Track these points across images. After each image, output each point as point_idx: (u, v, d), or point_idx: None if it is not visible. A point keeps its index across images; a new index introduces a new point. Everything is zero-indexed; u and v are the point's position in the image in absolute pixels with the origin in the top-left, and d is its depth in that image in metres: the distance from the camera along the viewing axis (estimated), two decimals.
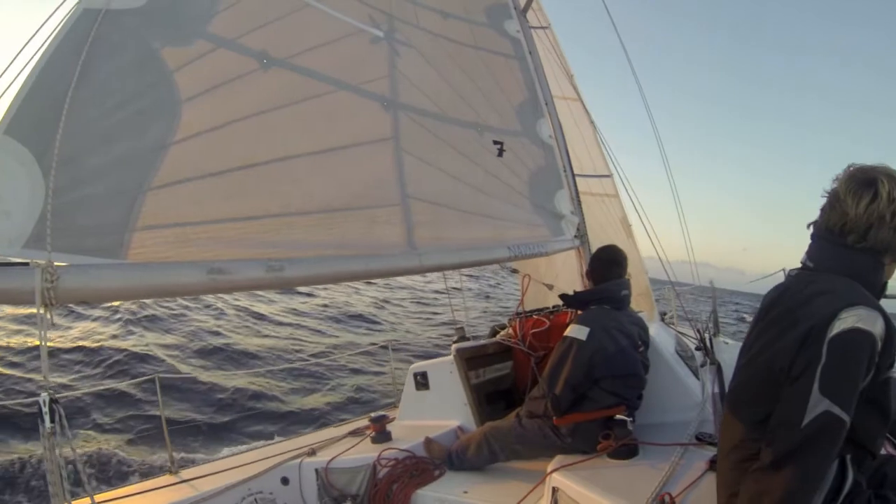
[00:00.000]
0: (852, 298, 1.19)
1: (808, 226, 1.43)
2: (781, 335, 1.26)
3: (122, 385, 6.50)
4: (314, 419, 6.37)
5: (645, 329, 2.72)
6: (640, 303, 5.28)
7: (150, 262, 1.33)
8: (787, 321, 1.27)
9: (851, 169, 1.33)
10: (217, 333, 10.19)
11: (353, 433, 3.29)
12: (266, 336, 10.49)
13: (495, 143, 2.93)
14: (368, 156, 2.10)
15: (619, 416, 2.32)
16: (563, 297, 2.78)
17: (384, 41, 2.47)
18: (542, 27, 5.18)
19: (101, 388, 6.33)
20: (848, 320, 1.15)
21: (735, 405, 1.41)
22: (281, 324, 11.69)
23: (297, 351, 9.23)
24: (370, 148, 2.13)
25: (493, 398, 3.27)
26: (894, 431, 2.09)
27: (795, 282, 1.38)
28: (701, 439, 2.28)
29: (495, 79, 3.21)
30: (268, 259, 1.45)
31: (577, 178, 5.03)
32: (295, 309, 12.90)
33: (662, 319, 5.14)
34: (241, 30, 1.86)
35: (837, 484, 1.24)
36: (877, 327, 1.15)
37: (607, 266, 2.71)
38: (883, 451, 1.80)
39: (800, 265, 1.43)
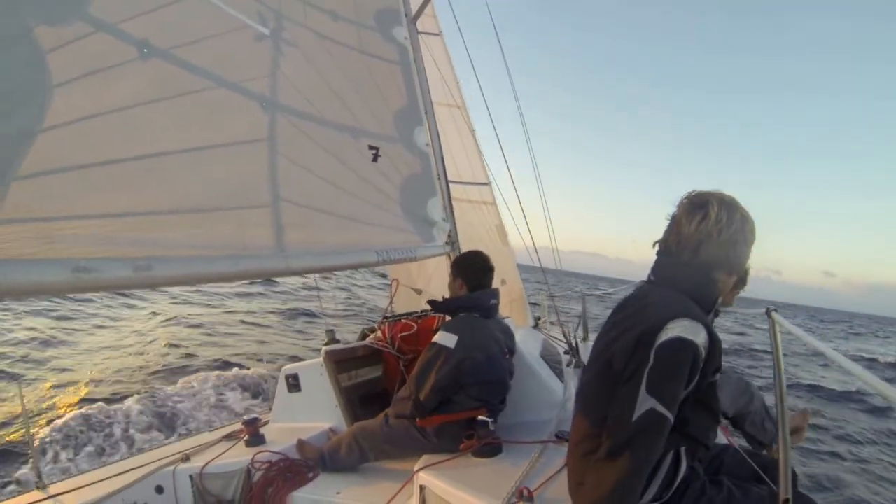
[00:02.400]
0: (679, 311, 1.33)
1: (654, 244, 1.59)
2: (620, 338, 1.40)
3: None
4: (184, 424, 6.16)
5: (511, 336, 2.89)
6: (514, 308, 5.74)
7: (9, 259, 1.31)
8: (626, 326, 1.41)
9: (690, 194, 1.50)
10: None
11: (227, 437, 3.29)
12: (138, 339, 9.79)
13: (371, 148, 3.09)
14: (243, 156, 2.17)
15: (481, 418, 2.45)
16: (431, 303, 2.91)
17: (269, 39, 2.53)
18: (433, 34, 5.41)
19: None
20: (674, 330, 1.29)
21: (583, 402, 1.54)
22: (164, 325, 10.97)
23: (166, 355, 8.70)
24: (245, 148, 2.20)
25: (366, 400, 3.41)
26: (735, 423, 2.55)
27: (637, 292, 1.55)
28: (560, 437, 2.47)
29: (377, 84, 3.36)
30: (136, 258, 1.52)
31: (456, 185, 5.35)
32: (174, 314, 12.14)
33: (536, 324, 5.56)
34: (123, 14, 1.85)
35: (672, 473, 1.41)
36: (699, 338, 1.29)
37: (482, 273, 2.84)
38: (725, 441, 2.19)
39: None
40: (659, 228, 1.59)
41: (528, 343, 3.45)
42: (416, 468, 2.35)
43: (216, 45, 2.23)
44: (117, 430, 5.77)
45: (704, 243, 1.42)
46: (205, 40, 2.18)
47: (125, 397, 6.53)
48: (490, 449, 2.41)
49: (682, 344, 1.27)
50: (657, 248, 1.58)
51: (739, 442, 2.32)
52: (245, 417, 3.27)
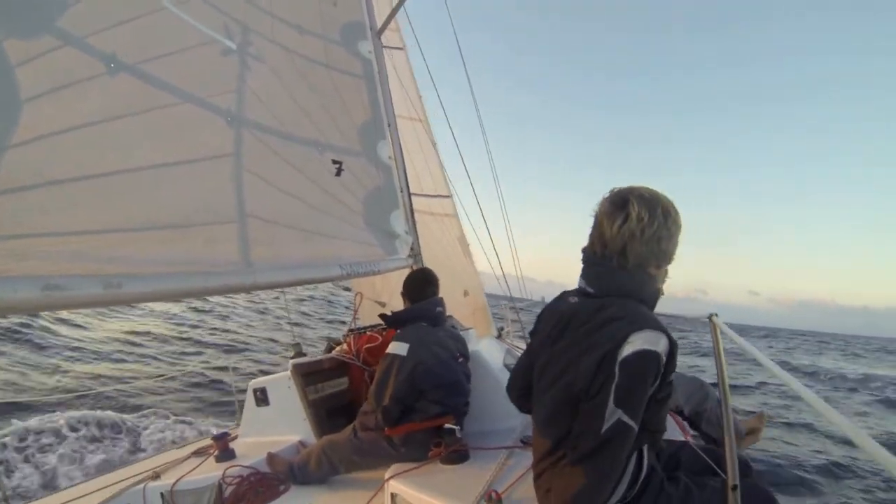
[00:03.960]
0: (640, 323, 1.35)
1: (582, 251, 1.58)
2: (579, 360, 1.40)
3: None
4: (156, 441, 6.01)
5: (462, 342, 3.01)
6: (478, 318, 5.82)
7: None
8: (584, 346, 1.40)
9: (609, 193, 1.49)
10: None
11: (197, 453, 3.30)
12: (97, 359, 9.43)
13: (334, 162, 3.16)
14: (209, 171, 2.22)
15: (447, 426, 2.55)
16: (382, 316, 3.02)
17: (236, 53, 2.58)
18: (397, 48, 5.49)
19: None
20: (636, 343, 1.31)
21: (543, 425, 1.55)
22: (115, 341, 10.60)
23: (132, 378, 8.43)
24: (211, 164, 2.25)
25: (333, 413, 3.44)
26: (693, 423, 2.67)
27: (584, 307, 1.50)
28: (525, 442, 2.57)
29: (342, 98, 3.43)
30: (107, 275, 1.54)
31: (418, 198, 5.42)
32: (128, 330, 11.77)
33: (500, 334, 5.67)
34: (91, 28, 1.89)
35: (637, 471, 1.48)
36: (661, 346, 1.32)
37: (421, 286, 3.01)
38: (682, 438, 2.28)
39: (578, 287, 1.58)
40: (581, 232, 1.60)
41: (491, 352, 3.58)
42: (386, 476, 2.42)
43: (183, 59, 2.28)
44: (85, 448, 5.65)
45: (629, 244, 1.42)
46: (172, 55, 2.23)
47: (91, 413, 6.38)
48: (458, 455, 2.51)
49: (646, 355, 1.30)
50: (583, 254, 1.57)
51: (699, 441, 2.47)
52: (214, 432, 3.30)
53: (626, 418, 1.29)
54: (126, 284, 1.59)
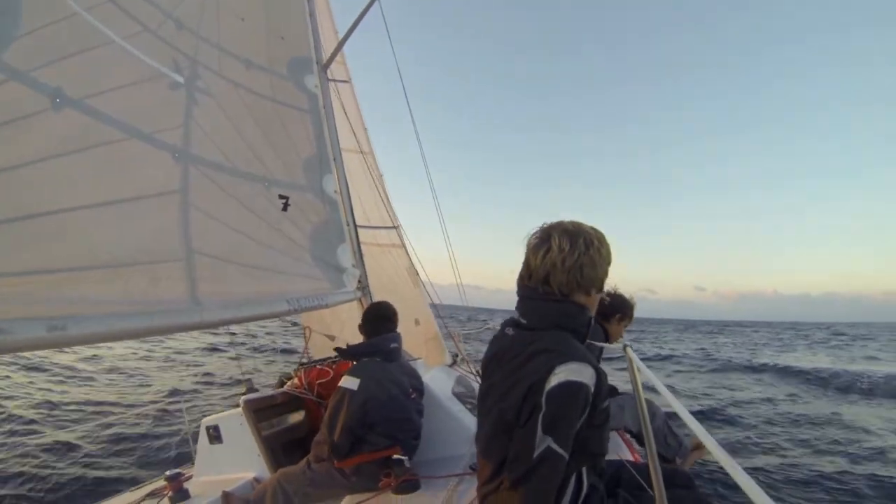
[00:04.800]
0: (566, 355, 1.41)
1: (516, 282, 1.67)
2: (509, 393, 1.47)
3: None
4: (105, 484, 5.63)
5: (417, 377, 3.10)
6: (430, 347, 5.83)
7: None
8: (512, 380, 1.47)
9: (537, 229, 1.60)
10: None
11: (151, 495, 3.22)
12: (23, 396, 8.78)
13: (281, 197, 3.18)
14: (155, 209, 2.20)
15: (396, 457, 2.64)
16: (337, 350, 3.07)
17: (183, 88, 2.59)
18: (343, 81, 5.57)
19: None
20: (561, 375, 1.36)
21: (483, 450, 1.60)
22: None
23: (77, 417, 7.87)
24: (157, 201, 2.23)
25: (289, 447, 3.42)
26: (640, 441, 2.76)
27: (516, 341, 1.58)
28: (475, 469, 2.62)
29: (288, 132, 3.47)
30: (50, 317, 1.51)
31: (366, 230, 5.44)
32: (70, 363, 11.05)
33: (454, 361, 5.69)
34: (38, 61, 1.87)
35: (577, 491, 1.53)
36: (585, 376, 1.38)
37: (377, 322, 3.07)
38: (629, 457, 2.34)
39: (513, 318, 1.66)
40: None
41: (440, 381, 3.65)
42: None
43: (130, 94, 2.27)
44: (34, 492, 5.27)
45: (552, 273, 1.51)
46: (119, 89, 2.22)
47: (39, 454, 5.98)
48: (409, 485, 2.60)
49: (571, 387, 1.36)
50: (517, 285, 1.66)
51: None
52: (167, 473, 3.17)
53: (555, 446, 1.35)
54: (71, 326, 1.54)
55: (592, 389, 1.40)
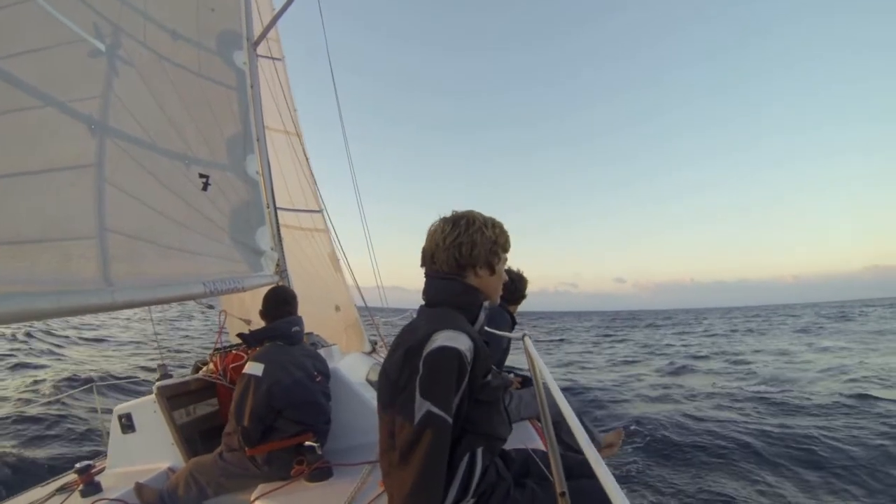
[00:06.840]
0: (443, 324, 1.52)
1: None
2: (393, 354, 1.59)
3: None
4: (11, 483, 5.16)
5: (321, 360, 3.12)
6: (350, 334, 5.86)
7: None
8: (398, 343, 1.61)
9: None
10: None
11: (61, 489, 3.04)
12: None
13: (201, 176, 3.11)
14: (67, 183, 2.11)
15: (308, 443, 2.65)
16: (240, 335, 3.07)
17: (104, 56, 2.47)
18: (274, 59, 5.43)
19: None
20: (437, 340, 1.46)
21: (379, 417, 1.67)
22: None
23: None
24: (70, 174, 2.14)
25: (207, 435, 3.34)
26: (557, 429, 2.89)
27: (416, 316, 1.75)
28: None
29: (212, 110, 3.38)
30: None
31: (289, 213, 5.38)
32: None
33: (374, 349, 5.74)
34: None
35: (468, 474, 1.54)
36: (461, 344, 1.46)
37: (277, 306, 3.08)
38: (541, 447, 2.40)
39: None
40: None
41: (353, 368, 3.68)
42: (252, 498, 2.46)
43: (46, 58, 2.15)
44: None
45: (435, 252, 1.68)
46: (35, 52, 2.10)
47: None
48: (321, 472, 2.64)
49: (446, 351, 1.44)
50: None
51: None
52: (77, 465, 3.03)
53: (435, 409, 1.40)
54: None
55: (469, 357, 1.48)
